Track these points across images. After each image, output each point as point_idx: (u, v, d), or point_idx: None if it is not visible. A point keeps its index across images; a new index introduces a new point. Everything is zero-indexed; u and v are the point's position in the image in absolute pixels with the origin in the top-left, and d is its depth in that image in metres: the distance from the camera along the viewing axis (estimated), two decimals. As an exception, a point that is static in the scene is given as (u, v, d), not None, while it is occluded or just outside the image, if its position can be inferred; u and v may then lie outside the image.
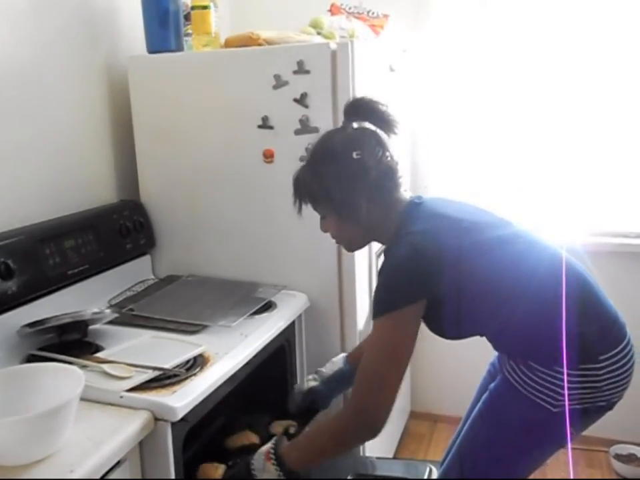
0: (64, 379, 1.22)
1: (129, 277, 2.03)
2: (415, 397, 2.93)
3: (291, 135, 1.87)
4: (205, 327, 1.67)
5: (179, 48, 2.06)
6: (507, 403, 1.41)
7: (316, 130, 1.79)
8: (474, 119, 2.64)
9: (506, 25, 2.53)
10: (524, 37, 2.51)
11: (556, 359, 1.31)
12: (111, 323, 1.71)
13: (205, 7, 2.03)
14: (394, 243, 1.41)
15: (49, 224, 1.78)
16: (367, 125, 1.43)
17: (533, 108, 2.57)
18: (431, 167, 2.69)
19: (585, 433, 1.44)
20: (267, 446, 1.41)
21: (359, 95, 1.58)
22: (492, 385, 1.47)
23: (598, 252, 2.31)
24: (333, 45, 1.83)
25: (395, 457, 2.47)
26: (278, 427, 1.72)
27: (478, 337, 1.47)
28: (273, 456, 1.37)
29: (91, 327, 1.64)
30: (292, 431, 1.67)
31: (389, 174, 1.42)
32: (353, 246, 1.56)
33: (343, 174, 1.38)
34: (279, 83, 1.86)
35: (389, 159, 1.41)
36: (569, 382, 1.31)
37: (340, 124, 1.50)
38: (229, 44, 2.00)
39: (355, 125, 1.43)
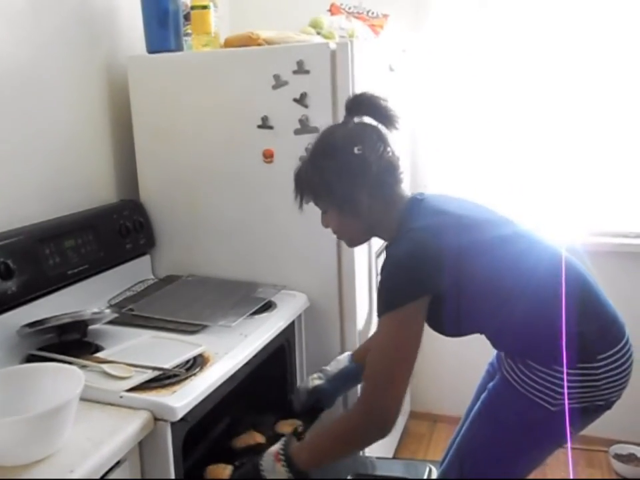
0: (64, 379, 1.22)
1: (129, 277, 2.03)
2: (415, 397, 2.93)
3: (290, 135, 1.87)
4: (204, 326, 1.67)
5: (179, 48, 2.06)
6: (506, 402, 1.41)
7: (316, 130, 1.79)
8: (474, 119, 2.64)
9: (506, 25, 2.53)
10: (524, 36, 2.51)
11: (555, 358, 1.31)
12: (110, 322, 1.71)
13: (205, 7, 2.03)
14: (396, 240, 1.41)
15: (48, 224, 1.78)
16: (368, 120, 1.43)
17: (532, 108, 2.57)
18: (430, 167, 2.69)
19: (584, 432, 1.44)
20: (276, 447, 1.40)
21: (358, 94, 1.58)
22: (491, 385, 1.47)
23: (598, 252, 2.31)
24: (333, 45, 1.83)
25: (394, 457, 2.47)
26: (283, 426, 1.71)
27: (478, 337, 1.47)
28: (282, 457, 1.36)
29: (90, 327, 1.64)
30: (300, 429, 1.66)
31: (390, 169, 1.42)
32: (354, 241, 1.56)
33: (344, 169, 1.38)
34: (279, 82, 1.86)
35: (390, 154, 1.41)
36: (568, 381, 1.31)
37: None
38: (228, 44, 1.99)
39: (356, 120, 1.43)
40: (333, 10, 2.34)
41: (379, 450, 2.13)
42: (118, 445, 1.17)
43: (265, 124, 1.91)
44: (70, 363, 1.38)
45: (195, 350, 1.49)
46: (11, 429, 1.07)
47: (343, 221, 1.46)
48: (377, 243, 2.12)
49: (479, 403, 1.48)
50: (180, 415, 1.28)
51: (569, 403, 1.32)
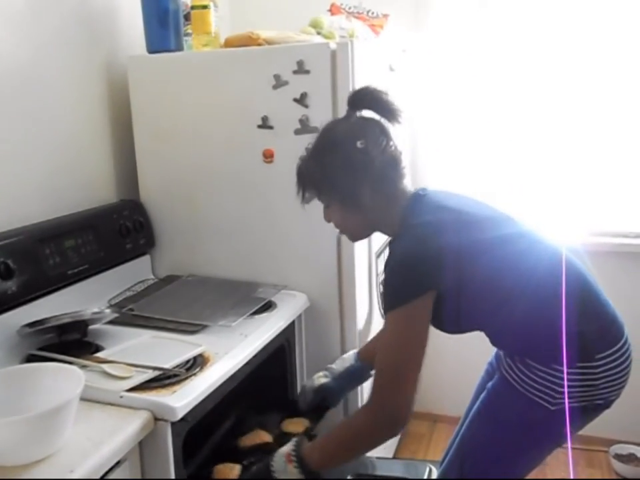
0: (64, 378, 1.22)
1: (129, 277, 2.03)
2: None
3: (290, 135, 1.87)
4: (204, 326, 1.67)
5: (179, 48, 2.06)
6: (505, 402, 1.41)
7: (316, 130, 1.78)
8: (474, 119, 2.64)
9: (506, 25, 2.53)
10: (524, 36, 2.51)
11: (554, 358, 1.31)
12: (110, 322, 1.71)
13: (205, 7, 2.03)
14: (399, 236, 1.40)
15: (48, 224, 1.78)
16: (371, 114, 1.43)
17: (532, 108, 2.57)
18: (430, 167, 2.69)
19: (584, 432, 1.44)
20: (288, 447, 1.39)
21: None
22: (490, 384, 1.47)
23: (597, 252, 2.31)
24: (333, 45, 1.83)
25: (394, 457, 2.47)
26: (289, 425, 1.71)
27: (478, 337, 1.47)
28: (294, 458, 1.35)
29: (90, 327, 1.64)
30: (311, 431, 1.65)
31: (392, 164, 1.41)
32: (356, 236, 1.56)
33: (347, 163, 1.37)
34: (279, 82, 1.86)
35: (392, 148, 1.41)
36: (566, 380, 1.31)
37: None
38: (228, 44, 1.99)
39: (359, 114, 1.43)
40: (333, 10, 2.34)
41: (379, 450, 2.12)
42: (118, 445, 1.17)
43: (265, 124, 1.91)
44: (70, 362, 1.38)
45: (195, 350, 1.49)
46: (11, 428, 1.07)
47: (345, 216, 1.45)
48: (377, 242, 2.12)
49: (478, 402, 1.48)
50: (180, 415, 1.28)
51: (568, 402, 1.32)
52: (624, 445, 2.60)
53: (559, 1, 2.46)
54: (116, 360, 1.43)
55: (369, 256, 2.05)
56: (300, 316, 1.93)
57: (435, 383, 2.87)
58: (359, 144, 1.37)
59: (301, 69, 1.83)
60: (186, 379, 1.38)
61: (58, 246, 1.73)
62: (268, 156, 1.92)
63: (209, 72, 1.96)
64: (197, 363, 1.45)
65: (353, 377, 1.73)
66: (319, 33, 2.10)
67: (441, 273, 1.30)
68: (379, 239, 2.15)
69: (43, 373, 1.26)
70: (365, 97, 1.43)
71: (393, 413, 1.30)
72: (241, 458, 1.56)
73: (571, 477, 2.37)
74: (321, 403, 1.71)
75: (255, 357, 1.60)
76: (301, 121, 1.86)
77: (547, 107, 2.55)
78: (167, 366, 1.40)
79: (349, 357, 1.77)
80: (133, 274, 2.05)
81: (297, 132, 1.87)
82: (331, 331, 1.99)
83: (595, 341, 1.34)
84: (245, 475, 1.47)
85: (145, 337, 1.61)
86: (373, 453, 1.92)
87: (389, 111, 1.41)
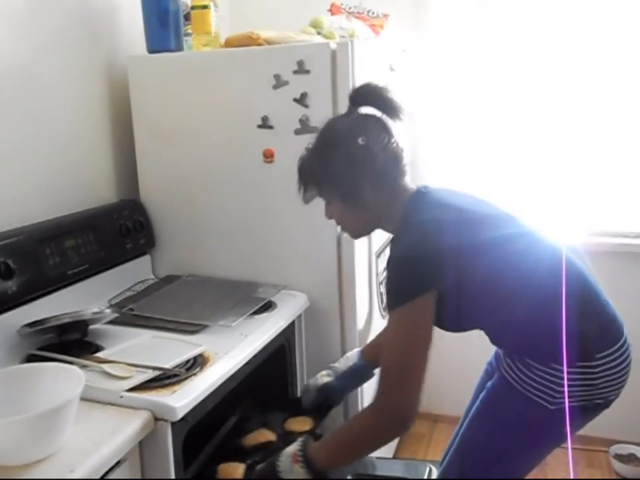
0: (64, 378, 1.22)
1: (129, 277, 2.03)
2: (415, 397, 2.92)
3: (291, 135, 1.87)
4: (205, 326, 1.67)
5: (179, 48, 2.06)
6: (505, 401, 1.41)
7: (316, 130, 1.78)
8: (474, 119, 2.64)
9: (506, 25, 2.53)
10: (524, 36, 2.51)
11: (554, 357, 1.31)
12: (111, 322, 1.71)
13: (205, 7, 2.03)
14: (401, 233, 1.40)
15: (48, 224, 1.78)
16: (372, 111, 1.42)
17: (533, 108, 2.57)
18: (431, 167, 2.69)
19: (584, 432, 1.44)
20: (294, 447, 1.38)
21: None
22: (489, 384, 1.47)
23: (598, 252, 2.31)
24: (333, 45, 1.83)
25: (394, 457, 2.47)
26: (293, 423, 1.70)
27: (478, 337, 1.47)
28: (301, 458, 1.34)
29: (91, 327, 1.64)
30: (311, 425, 1.65)
31: (394, 160, 1.41)
32: (357, 232, 1.55)
33: (348, 159, 1.37)
34: (279, 82, 1.86)
35: (394, 145, 1.40)
36: (566, 379, 1.31)
37: None
38: (229, 44, 1.99)
39: (360, 110, 1.43)
40: (334, 10, 2.34)
41: (379, 450, 2.12)
42: (118, 445, 1.17)
43: (265, 124, 1.91)
44: (70, 362, 1.38)
45: (195, 350, 1.49)
46: (11, 428, 1.07)
47: (347, 212, 1.45)
48: (377, 242, 2.12)
49: (477, 402, 1.48)
50: (180, 415, 1.28)
51: (567, 401, 1.32)
52: (624, 445, 2.60)
53: (559, 0, 2.46)
54: (116, 360, 1.43)
55: (369, 256, 2.05)
56: (300, 316, 1.93)
57: (435, 383, 2.85)
58: (360, 140, 1.36)
59: (301, 69, 1.83)
60: (186, 378, 1.38)
61: (58, 246, 1.73)
62: (268, 156, 1.93)
63: (209, 72, 1.96)
64: (197, 363, 1.45)
65: (357, 375, 1.72)
66: (319, 33, 2.10)
67: (443, 271, 1.30)
68: (379, 239, 2.15)
69: (43, 372, 1.26)
70: (367, 94, 1.43)
71: (399, 412, 1.29)
72: (244, 457, 1.55)
73: (571, 477, 2.37)
74: (324, 401, 1.70)
75: (255, 356, 1.60)
76: (301, 120, 1.86)
77: (547, 106, 2.55)
78: (167, 366, 1.40)
79: (352, 355, 1.76)
80: (133, 274, 2.05)
81: (297, 132, 1.87)
82: (331, 330, 1.99)
83: (595, 341, 1.34)
84: (250, 475, 1.46)
85: (145, 336, 1.61)
86: (373, 453, 1.93)
87: (390, 108, 1.41)
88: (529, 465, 1.45)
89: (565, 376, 1.31)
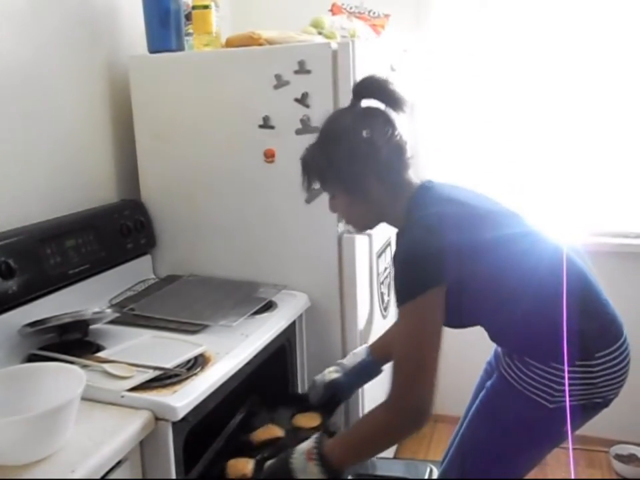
0: (65, 378, 1.22)
1: (130, 277, 2.03)
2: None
3: (292, 135, 1.87)
4: (205, 326, 1.67)
5: (180, 48, 2.06)
6: (504, 400, 1.41)
7: (317, 130, 1.78)
8: (475, 119, 2.64)
9: (506, 25, 2.53)
10: (524, 36, 2.51)
11: (554, 356, 1.31)
12: (111, 322, 1.71)
13: (206, 7, 2.03)
14: (406, 227, 1.38)
15: (49, 223, 1.78)
16: (376, 103, 1.42)
17: (533, 108, 2.57)
18: (431, 167, 2.69)
19: (585, 433, 1.44)
20: (308, 445, 1.35)
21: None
22: (489, 383, 1.47)
23: (598, 252, 2.30)
24: (334, 45, 1.83)
25: (395, 457, 2.47)
26: (301, 419, 1.68)
27: (478, 337, 1.47)
28: (316, 456, 1.31)
29: (91, 327, 1.64)
30: (319, 421, 1.64)
31: (398, 153, 1.40)
32: (362, 226, 1.55)
33: (353, 153, 1.36)
34: (280, 82, 1.86)
35: (398, 137, 1.40)
36: (564, 378, 1.31)
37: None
38: (229, 44, 1.99)
39: (363, 104, 1.42)
40: (335, 10, 2.34)
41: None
42: (119, 445, 1.17)
43: (266, 124, 1.91)
44: (71, 362, 1.38)
45: (196, 350, 1.49)
46: (12, 428, 1.07)
47: (351, 206, 1.44)
48: (378, 242, 2.12)
49: (477, 402, 1.48)
50: (181, 415, 1.28)
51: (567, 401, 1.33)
52: (624, 445, 2.60)
53: (559, 0, 2.46)
54: (117, 360, 1.43)
55: (369, 256, 2.05)
56: (301, 316, 1.93)
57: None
58: (364, 133, 1.36)
59: (302, 69, 1.83)
60: (187, 378, 1.38)
61: (59, 246, 1.73)
62: (269, 156, 1.93)
63: (210, 72, 1.96)
64: (197, 363, 1.45)
65: (364, 372, 1.71)
66: (320, 33, 2.10)
67: (449, 266, 1.29)
68: (380, 239, 2.15)
69: (44, 372, 1.26)
70: (370, 86, 1.42)
71: (413, 407, 1.27)
72: (253, 452, 1.53)
73: (572, 477, 2.38)
74: (331, 398, 1.69)
75: (255, 356, 1.60)
76: (302, 120, 1.86)
77: (547, 106, 2.55)
78: (168, 366, 1.40)
79: (361, 351, 1.74)
80: (133, 274, 2.05)
81: (298, 132, 1.87)
82: (331, 331, 1.99)
83: (595, 340, 1.34)
84: (263, 473, 1.42)
85: (145, 336, 1.61)
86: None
87: (393, 100, 1.40)
88: (529, 463, 1.45)
89: (566, 375, 1.31)
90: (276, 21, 2.22)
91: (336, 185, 1.43)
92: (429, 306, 1.29)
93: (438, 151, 2.69)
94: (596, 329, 1.35)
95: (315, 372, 1.77)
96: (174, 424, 1.28)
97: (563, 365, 1.31)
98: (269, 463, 1.41)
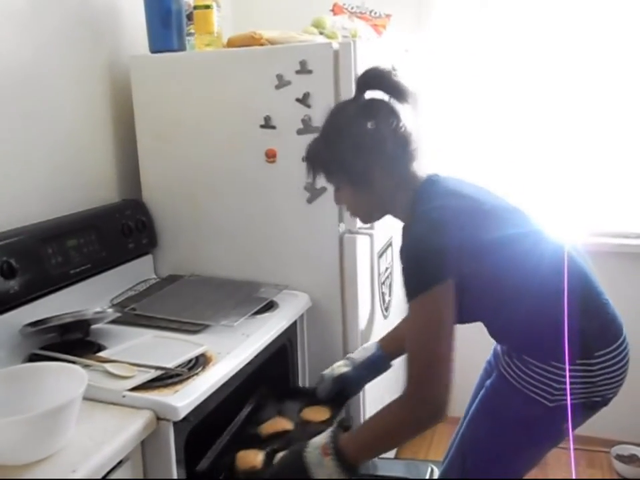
0: (66, 378, 1.22)
1: (131, 277, 2.03)
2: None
3: (293, 135, 1.88)
4: (207, 326, 1.67)
5: (181, 48, 2.06)
6: (503, 398, 1.41)
7: (318, 130, 1.79)
8: (476, 119, 2.64)
9: (507, 24, 2.53)
10: (526, 36, 2.52)
11: (554, 354, 1.31)
12: (113, 322, 1.71)
13: (208, 7, 2.03)
14: (412, 221, 1.37)
15: (51, 223, 1.78)
16: (380, 95, 1.41)
17: (534, 108, 2.57)
18: (431, 167, 2.69)
19: (586, 433, 1.44)
20: (323, 439, 1.33)
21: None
22: (488, 382, 1.47)
23: (598, 252, 2.30)
24: (336, 45, 1.83)
25: (396, 457, 2.47)
26: (310, 413, 1.67)
27: (478, 338, 1.47)
28: (331, 451, 1.29)
29: (93, 327, 1.64)
30: (328, 415, 1.63)
31: (403, 144, 1.39)
32: (368, 217, 1.54)
33: (359, 144, 1.36)
34: (282, 82, 1.86)
35: (403, 129, 1.39)
36: (564, 376, 1.32)
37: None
38: (231, 44, 2.00)
39: (368, 95, 1.41)
40: (336, 10, 2.34)
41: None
42: (120, 445, 1.17)
43: (267, 124, 1.91)
44: (73, 362, 1.38)
45: (197, 349, 1.49)
46: (14, 428, 1.07)
47: (356, 197, 1.44)
48: (380, 242, 2.12)
49: (476, 401, 1.48)
50: (182, 415, 1.28)
51: (566, 399, 1.33)
52: (625, 446, 2.60)
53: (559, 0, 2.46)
54: (118, 359, 1.43)
55: (371, 256, 2.05)
56: (302, 316, 1.93)
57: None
58: (369, 125, 1.36)
59: (303, 69, 1.83)
60: (188, 378, 1.38)
61: (60, 245, 1.73)
62: (270, 156, 1.93)
63: (212, 72, 1.96)
64: (199, 363, 1.45)
65: (374, 366, 1.70)
66: (321, 33, 2.10)
67: (456, 260, 1.28)
68: (382, 239, 2.15)
69: (45, 372, 1.26)
70: (374, 78, 1.41)
71: (430, 399, 1.25)
72: (262, 445, 1.52)
73: (573, 478, 2.38)
74: (339, 392, 1.68)
75: (256, 356, 1.60)
76: (303, 120, 1.86)
77: (548, 107, 2.55)
78: (169, 365, 1.40)
79: (370, 346, 1.73)
80: (135, 273, 2.05)
81: (300, 132, 1.87)
82: (332, 331, 1.99)
83: (595, 339, 1.34)
84: (275, 466, 1.39)
85: (147, 336, 1.61)
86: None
87: (398, 91, 1.39)
88: (530, 462, 1.45)
89: (567, 374, 1.31)
90: (277, 21, 2.22)
91: (341, 177, 1.42)
92: (440, 298, 1.27)
93: (438, 151, 2.68)
94: (596, 328, 1.35)
95: (316, 372, 1.77)
96: (175, 424, 1.28)
97: (563, 363, 1.32)
98: (280, 454, 1.40)
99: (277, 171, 1.93)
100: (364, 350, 1.74)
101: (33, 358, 1.49)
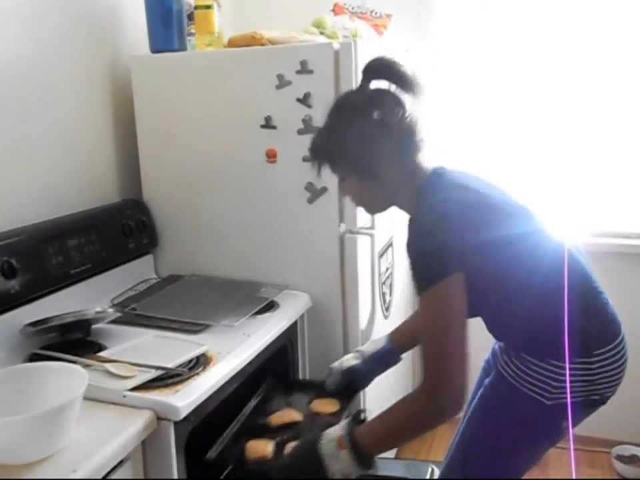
0: (67, 378, 1.22)
1: (132, 276, 2.03)
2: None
3: (293, 135, 1.88)
4: (207, 326, 1.67)
5: (182, 48, 2.06)
6: (502, 397, 1.41)
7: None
8: (476, 119, 2.64)
9: (508, 24, 2.53)
10: (526, 35, 2.52)
11: (553, 352, 1.31)
12: (113, 322, 1.71)
13: (208, 7, 2.03)
14: (418, 213, 1.36)
15: (51, 223, 1.78)
16: (386, 85, 1.40)
17: (535, 108, 2.57)
18: (435, 162, 2.69)
19: (586, 433, 1.44)
20: (339, 431, 1.31)
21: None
22: (487, 381, 1.47)
23: (598, 252, 2.30)
24: (336, 45, 1.83)
25: (396, 457, 2.47)
26: (319, 405, 1.66)
27: (478, 338, 1.46)
28: (347, 444, 1.28)
29: (93, 326, 1.64)
30: (337, 407, 1.62)
31: (409, 135, 1.38)
32: (373, 208, 1.54)
33: (364, 135, 1.35)
34: (282, 82, 1.86)
35: (409, 119, 1.38)
36: (563, 375, 1.32)
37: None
38: (232, 44, 2.00)
39: (373, 85, 1.41)
40: (337, 10, 2.34)
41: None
42: (121, 444, 1.18)
43: (268, 124, 1.91)
44: (73, 362, 1.39)
45: (197, 349, 1.49)
46: (14, 428, 1.07)
47: (362, 188, 1.43)
48: (380, 242, 2.12)
49: (475, 400, 1.49)
50: (183, 414, 1.28)
51: (565, 397, 1.33)
52: (626, 446, 2.59)
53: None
54: (119, 359, 1.43)
55: (371, 255, 2.05)
56: (302, 316, 1.93)
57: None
58: (375, 114, 1.35)
59: (304, 69, 1.83)
60: (189, 378, 1.38)
61: (61, 245, 1.73)
62: (271, 156, 1.93)
63: (212, 72, 1.96)
64: (199, 363, 1.45)
65: (383, 359, 1.69)
66: (322, 33, 2.10)
67: (463, 252, 1.27)
68: (382, 239, 2.15)
69: (46, 372, 1.26)
70: (380, 67, 1.41)
71: (445, 391, 1.24)
72: (270, 435, 1.51)
73: (573, 478, 2.37)
74: (348, 385, 1.67)
75: (257, 356, 1.60)
76: (304, 120, 1.86)
77: (549, 107, 2.55)
78: (169, 365, 1.40)
79: (380, 339, 1.72)
80: (135, 273, 2.05)
81: (300, 132, 1.87)
82: (333, 330, 1.99)
83: (594, 337, 1.34)
84: (287, 456, 1.37)
85: (147, 336, 1.61)
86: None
87: (404, 81, 1.38)
88: (529, 461, 1.45)
89: (567, 372, 1.31)
90: (278, 21, 2.22)
91: (346, 167, 1.41)
92: (448, 291, 1.26)
93: (439, 150, 2.68)
94: (596, 326, 1.35)
95: (317, 372, 1.78)
96: (176, 423, 1.28)
97: (562, 361, 1.32)
98: (291, 444, 1.39)
99: (277, 171, 1.93)
100: (374, 343, 1.72)
101: (34, 358, 1.49)
